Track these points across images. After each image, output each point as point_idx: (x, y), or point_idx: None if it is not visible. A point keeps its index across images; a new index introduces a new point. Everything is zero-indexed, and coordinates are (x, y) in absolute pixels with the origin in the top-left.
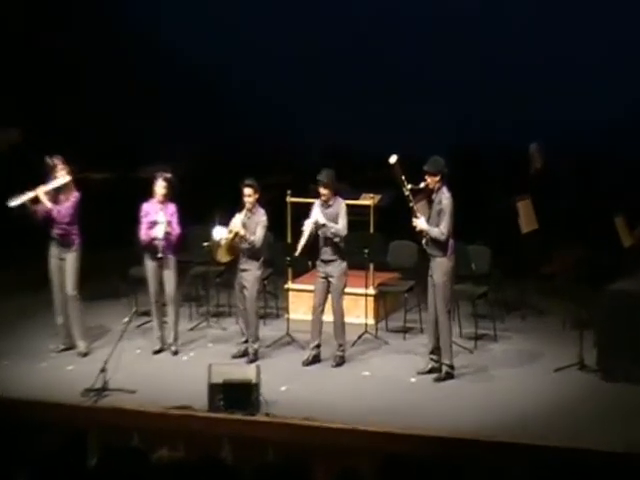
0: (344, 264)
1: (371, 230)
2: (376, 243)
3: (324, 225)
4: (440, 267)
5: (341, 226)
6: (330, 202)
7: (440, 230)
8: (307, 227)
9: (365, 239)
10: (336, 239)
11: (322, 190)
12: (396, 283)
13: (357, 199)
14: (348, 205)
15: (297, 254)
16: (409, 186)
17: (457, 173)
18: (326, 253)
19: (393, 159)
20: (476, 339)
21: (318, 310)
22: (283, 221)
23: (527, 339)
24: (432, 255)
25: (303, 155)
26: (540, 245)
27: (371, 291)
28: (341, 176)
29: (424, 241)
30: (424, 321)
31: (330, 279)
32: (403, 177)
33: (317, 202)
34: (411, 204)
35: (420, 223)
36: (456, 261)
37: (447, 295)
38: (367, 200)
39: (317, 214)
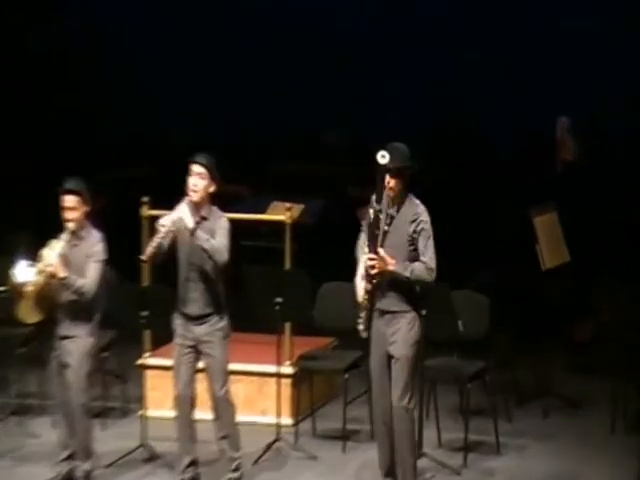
0: (224, 322)
1: (286, 264)
2: (294, 287)
3: (193, 232)
4: (407, 330)
5: (221, 245)
6: (203, 212)
7: (426, 265)
8: (166, 222)
9: (276, 280)
10: (210, 270)
11: (194, 182)
12: (329, 355)
13: (263, 211)
14: (245, 224)
15: (145, 257)
16: (377, 204)
17: (431, 170)
18: (194, 302)
19: (384, 158)
20: (466, 451)
21: (185, 402)
22: (135, 247)
23: (552, 451)
24: (392, 311)
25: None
26: (572, 289)
27: (287, 369)
28: (240, 173)
29: (371, 288)
30: (376, 421)
31: (203, 348)
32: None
33: (184, 201)
34: (385, 227)
35: (389, 258)
36: (431, 318)
37: (414, 376)
38: (280, 213)
39: (184, 212)
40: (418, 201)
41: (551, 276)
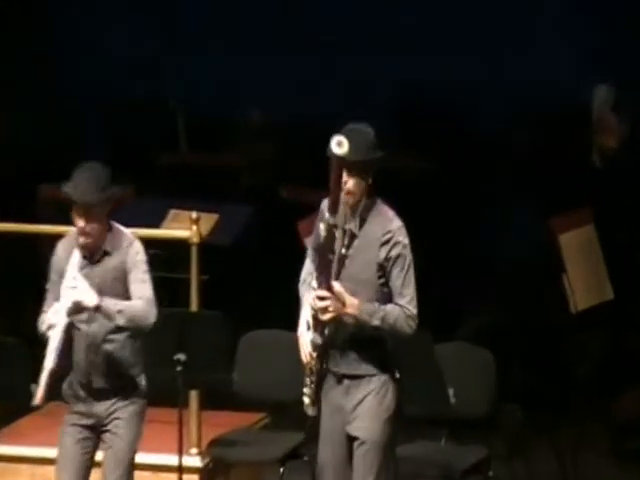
0: (141, 401)
1: (192, 304)
2: (204, 338)
3: (98, 309)
4: (376, 402)
5: (141, 305)
6: (104, 244)
7: (404, 310)
8: (56, 333)
9: (176, 328)
10: (122, 337)
11: (81, 225)
12: (256, 439)
13: (155, 224)
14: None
15: (36, 402)
16: (330, 216)
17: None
18: (97, 377)
19: (341, 146)
20: None
21: None
22: None
23: None
24: (353, 375)
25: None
26: (615, 343)
27: (193, 460)
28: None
29: (321, 342)
30: None
31: (106, 430)
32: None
33: (66, 240)
34: (343, 250)
35: (348, 298)
36: (408, 384)
37: (387, 469)
38: (182, 227)
39: (82, 290)
40: (392, 212)
41: (585, 322)
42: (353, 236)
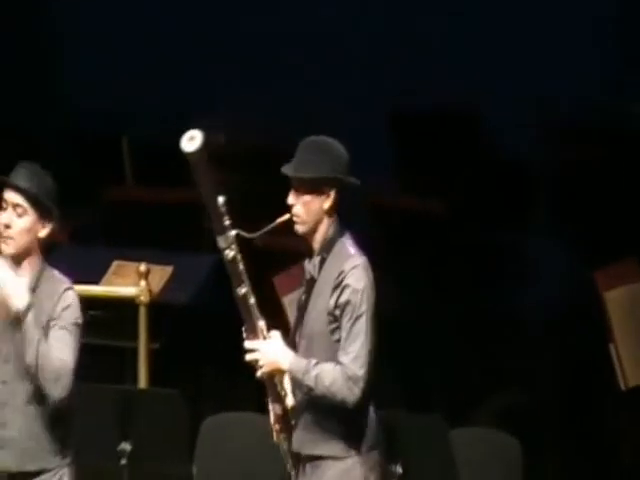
0: None
1: (140, 380)
2: (155, 422)
3: (23, 318)
4: None
5: (55, 364)
6: (32, 281)
7: (344, 369)
8: None
9: (120, 409)
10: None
11: (6, 221)
12: None
13: (94, 277)
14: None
15: None
16: (232, 232)
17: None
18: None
19: (192, 141)
20: None
21: None
22: None
23: None
24: (312, 456)
25: None
26: None
27: None
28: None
29: (281, 413)
30: None
31: None
32: (220, 206)
33: None
34: (303, 296)
35: (266, 349)
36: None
37: None
38: (126, 281)
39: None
40: (354, 249)
41: (635, 400)
42: (312, 281)
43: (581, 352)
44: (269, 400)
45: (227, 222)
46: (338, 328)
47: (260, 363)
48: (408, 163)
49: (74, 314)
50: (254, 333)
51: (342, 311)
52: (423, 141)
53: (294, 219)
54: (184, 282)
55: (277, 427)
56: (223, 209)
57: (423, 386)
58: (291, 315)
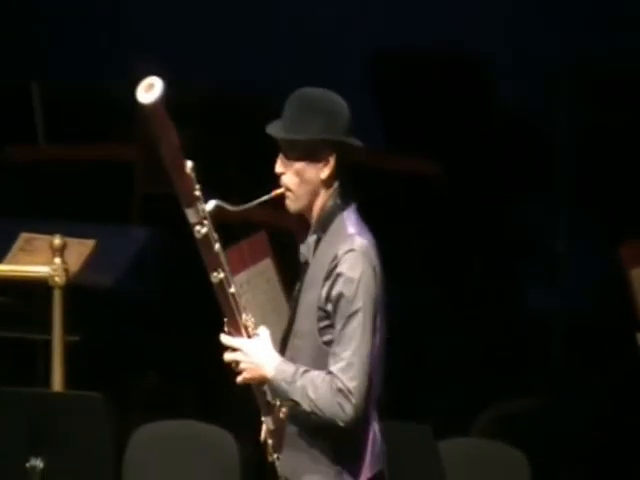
0: None
1: (55, 381)
2: (75, 430)
3: None
4: None
5: None
6: None
7: (333, 379)
8: None
9: (32, 414)
10: None
11: None
12: None
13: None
14: None
15: None
16: (212, 204)
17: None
18: None
19: (150, 90)
20: None
21: None
22: None
23: None
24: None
25: None
26: None
27: None
28: None
29: (273, 425)
30: None
31: None
32: (187, 169)
33: None
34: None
35: (251, 349)
36: None
37: None
38: (38, 260)
39: None
40: (354, 228)
41: None
42: (306, 265)
43: (604, 352)
44: (264, 412)
45: (197, 191)
46: (330, 326)
47: (241, 366)
48: (394, 115)
49: None
50: (236, 329)
51: (335, 306)
52: (413, 89)
53: (286, 192)
54: (109, 260)
55: (271, 444)
56: (192, 174)
57: (410, 388)
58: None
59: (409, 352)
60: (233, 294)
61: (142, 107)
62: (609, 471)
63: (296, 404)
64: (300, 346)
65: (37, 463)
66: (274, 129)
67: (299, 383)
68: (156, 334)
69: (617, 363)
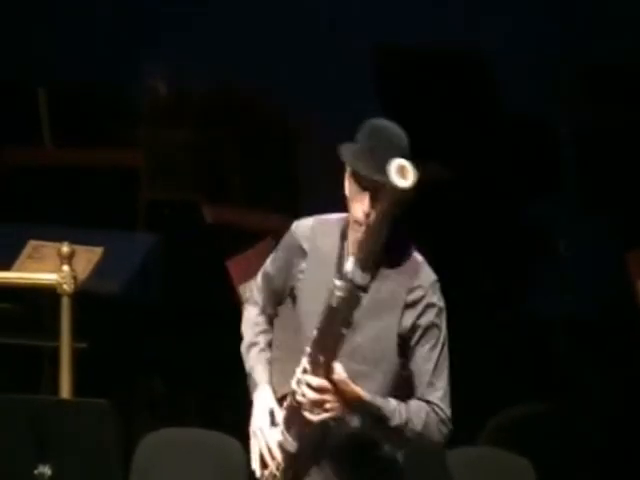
0: None
1: (63, 388)
2: (79, 440)
3: None
4: None
5: None
6: None
7: (436, 409)
8: None
9: (37, 425)
10: None
11: None
12: None
13: (8, 264)
14: None
15: None
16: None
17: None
18: None
19: (405, 176)
20: None
21: None
22: None
23: None
24: None
25: None
26: None
27: None
28: None
29: (296, 449)
30: None
31: None
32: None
33: None
34: (344, 332)
35: (353, 388)
36: None
37: None
38: (45, 267)
39: None
40: (421, 258)
41: None
42: (361, 289)
43: (617, 357)
44: (284, 432)
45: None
46: (405, 354)
47: (327, 407)
48: (399, 115)
49: None
50: (326, 372)
51: (422, 335)
52: (419, 90)
53: (364, 229)
54: (115, 267)
55: (281, 466)
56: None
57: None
58: None
59: None
60: (342, 336)
61: (392, 187)
62: (617, 478)
63: (387, 431)
64: (366, 372)
65: (45, 470)
66: (372, 171)
67: (400, 419)
68: (162, 340)
69: (624, 367)
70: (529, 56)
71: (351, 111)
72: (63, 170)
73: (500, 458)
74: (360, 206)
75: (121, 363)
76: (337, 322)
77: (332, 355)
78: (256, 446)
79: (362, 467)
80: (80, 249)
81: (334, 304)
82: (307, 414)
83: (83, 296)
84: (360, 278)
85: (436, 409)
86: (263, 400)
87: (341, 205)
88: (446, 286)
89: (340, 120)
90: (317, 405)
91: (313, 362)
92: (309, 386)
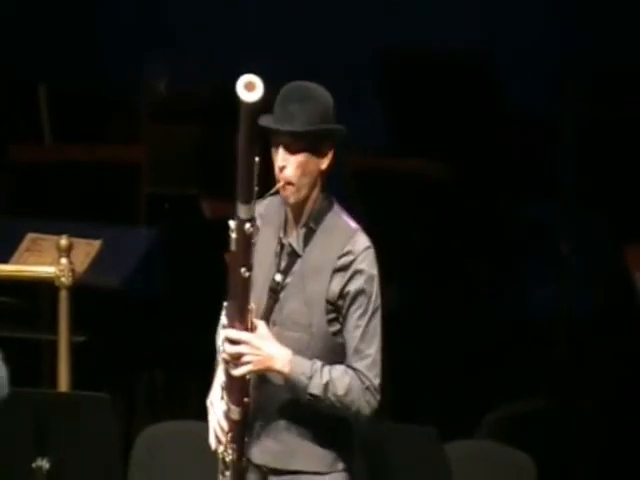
0: None
1: (61, 382)
2: (77, 435)
3: None
4: None
5: None
6: None
7: (360, 376)
8: None
9: (36, 417)
10: None
11: None
12: None
13: (6, 257)
14: None
15: None
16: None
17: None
18: None
19: (252, 89)
20: None
21: None
22: None
23: None
24: (287, 472)
25: None
26: None
27: None
28: None
29: (240, 416)
30: None
31: None
32: None
33: None
34: (277, 277)
35: (274, 346)
36: None
37: None
38: (43, 260)
39: None
40: (355, 224)
41: None
42: (294, 256)
43: (615, 351)
44: (227, 401)
45: (255, 189)
46: (336, 320)
47: (246, 359)
48: (401, 116)
49: None
50: (242, 322)
51: (352, 302)
52: (421, 90)
53: (286, 187)
54: (115, 260)
55: (229, 435)
56: (256, 174)
57: (413, 391)
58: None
59: (412, 353)
60: (246, 281)
61: (241, 104)
62: (616, 472)
63: (316, 398)
64: (297, 338)
65: (43, 463)
66: (278, 122)
67: (321, 379)
68: (162, 334)
69: (622, 363)
70: (528, 55)
71: (354, 110)
72: (63, 165)
73: (500, 452)
74: (275, 163)
75: (120, 356)
76: (238, 265)
77: (243, 302)
78: (211, 421)
79: (308, 426)
80: (79, 242)
81: (232, 248)
82: (232, 370)
83: (83, 289)
84: (243, 212)
85: (361, 377)
86: (218, 376)
87: (342, 201)
88: (446, 283)
89: (341, 118)
90: (236, 358)
91: (228, 315)
92: (227, 340)
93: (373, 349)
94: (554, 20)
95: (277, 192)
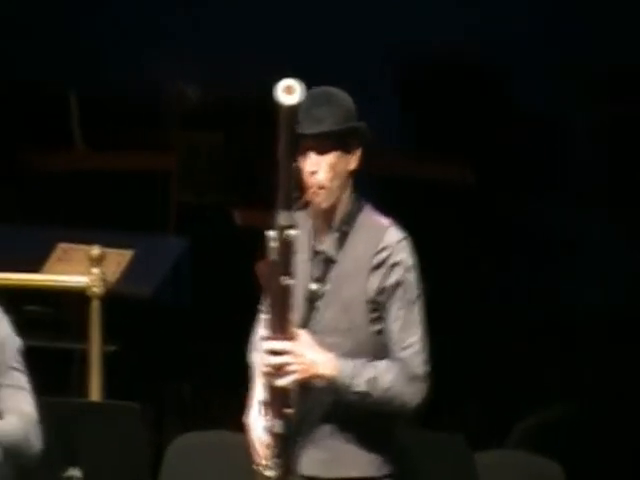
0: None
1: (92, 391)
2: (110, 442)
3: None
4: None
5: (17, 425)
6: None
7: (405, 367)
8: None
9: (68, 427)
10: None
11: None
12: None
13: (37, 267)
14: None
15: None
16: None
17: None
18: None
19: (291, 92)
20: None
21: None
22: None
23: None
24: (334, 478)
25: None
26: None
27: None
28: None
29: (283, 429)
30: None
31: None
32: None
33: None
34: (312, 286)
35: (318, 353)
36: None
37: None
38: (75, 270)
39: None
40: (385, 219)
41: None
42: (329, 262)
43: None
44: (268, 417)
45: (295, 195)
46: (380, 318)
47: (292, 368)
48: (421, 120)
49: (17, 344)
50: (283, 332)
51: (391, 295)
52: (440, 94)
53: (317, 191)
54: (147, 270)
55: (274, 450)
56: (295, 179)
57: (443, 399)
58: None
59: (440, 358)
60: (287, 291)
61: (280, 107)
62: None
63: (364, 397)
64: (339, 343)
65: (74, 473)
66: (308, 128)
67: (367, 376)
68: (192, 343)
69: None
70: (539, 57)
71: (369, 112)
72: (94, 173)
73: (530, 461)
74: (305, 168)
75: (151, 366)
76: (278, 273)
77: (284, 311)
78: (250, 438)
79: (353, 431)
80: (110, 252)
81: (273, 257)
82: (276, 382)
83: (114, 299)
84: (284, 219)
85: (405, 367)
86: (255, 393)
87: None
88: (460, 285)
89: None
90: (280, 369)
91: (270, 326)
92: (270, 352)
93: (415, 337)
94: (565, 20)
95: (301, 207)
